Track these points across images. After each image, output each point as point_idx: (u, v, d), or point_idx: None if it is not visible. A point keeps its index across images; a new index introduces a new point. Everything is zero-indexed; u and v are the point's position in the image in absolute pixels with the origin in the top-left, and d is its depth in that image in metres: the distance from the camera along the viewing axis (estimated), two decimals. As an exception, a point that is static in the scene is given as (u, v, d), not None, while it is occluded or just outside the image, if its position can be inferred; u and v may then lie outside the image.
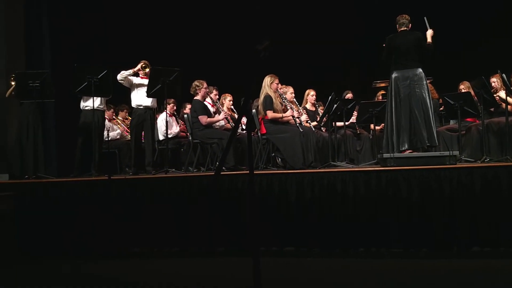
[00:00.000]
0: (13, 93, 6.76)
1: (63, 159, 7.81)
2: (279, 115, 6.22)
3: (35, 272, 4.74)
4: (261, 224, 4.78)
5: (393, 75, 5.70)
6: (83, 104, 6.70)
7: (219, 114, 6.68)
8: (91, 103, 6.38)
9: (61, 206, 5.33)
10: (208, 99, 6.89)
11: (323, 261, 4.73)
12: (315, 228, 4.89)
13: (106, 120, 7.53)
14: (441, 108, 6.95)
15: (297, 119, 6.22)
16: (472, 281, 3.88)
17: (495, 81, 6.41)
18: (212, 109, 6.85)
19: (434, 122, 5.69)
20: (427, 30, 5.71)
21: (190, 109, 6.74)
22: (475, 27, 8.00)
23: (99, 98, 6.62)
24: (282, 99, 6.34)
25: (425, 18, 5.77)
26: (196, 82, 6.60)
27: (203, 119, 6.41)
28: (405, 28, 5.77)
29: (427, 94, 5.63)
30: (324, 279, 4.11)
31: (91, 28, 8.48)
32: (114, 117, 8.10)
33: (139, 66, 6.56)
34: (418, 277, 4.04)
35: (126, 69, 6.54)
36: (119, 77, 6.51)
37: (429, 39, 5.67)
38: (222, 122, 6.78)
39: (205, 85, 6.60)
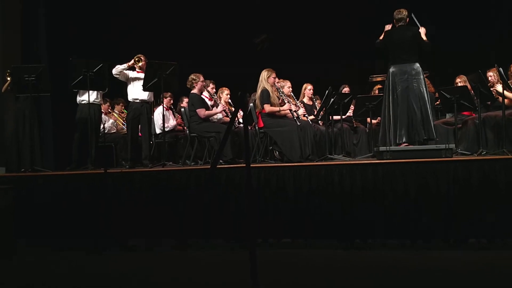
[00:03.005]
0: (9, 88, 6.74)
1: (60, 153, 7.81)
2: (277, 108, 6.22)
3: (33, 264, 4.74)
4: (258, 217, 4.82)
5: (391, 70, 5.71)
6: (79, 99, 6.68)
7: (217, 107, 6.67)
8: (87, 97, 6.36)
9: (57, 199, 5.34)
10: (205, 93, 6.88)
11: (319, 252, 4.76)
12: (311, 220, 4.91)
13: (103, 114, 7.52)
14: (437, 102, 6.96)
15: (294, 113, 6.23)
16: (468, 273, 3.91)
17: (492, 75, 6.42)
18: (209, 103, 6.84)
19: (432, 115, 5.70)
20: (418, 28, 5.70)
21: (188, 102, 6.73)
22: (475, 22, 8.01)
23: (95, 92, 6.60)
24: (280, 93, 6.35)
25: (412, 15, 5.77)
26: (192, 76, 6.59)
27: (202, 112, 6.40)
28: (403, 23, 5.77)
29: (424, 89, 5.64)
30: (320, 270, 4.13)
31: (87, 22, 8.44)
32: (110, 110, 8.09)
33: (133, 60, 6.54)
34: (414, 269, 4.07)
35: (121, 63, 6.52)
36: (114, 71, 6.49)
37: (423, 37, 5.66)
38: (220, 115, 6.78)
39: (201, 78, 6.59)
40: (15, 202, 5.20)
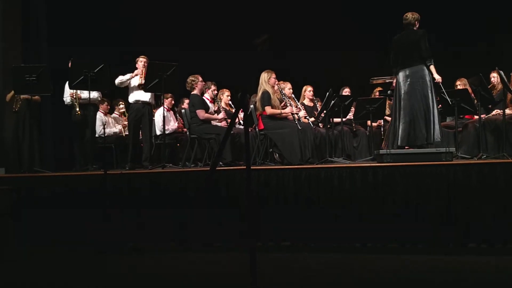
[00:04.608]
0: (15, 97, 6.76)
1: (60, 154, 7.80)
2: (278, 111, 6.21)
3: (33, 266, 4.74)
4: (258, 219, 4.81)
5: (399, 74, 5.70)
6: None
7: (219, 114, 6.65)
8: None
9: (57, 201, 5.33)
10: (207, 95, 6.88)
11: (319, 256, 4.74)
12: (311, 223, 4.90)
13: (103, 115, 7.51)
14: (439, 106, 6.94)
15: (295, 115, 6.22)
16: (468, 278, 3.90)
17: (495, 76, 6.41)
18: (211, 106, 6.82)
19: (435, 119, 5.62)
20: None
21: (188, 103, 6.72)
22: (474, 24, 8.00)
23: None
24: (282, 95, 6.33)
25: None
26: (191, 77, 6.59)
27: (201, 113, 6.39)
28: (411, 27, 5.73)
29: (429, 91, 5.59)
30: (320, 274, 4.12)
31: (88, 22, 8.44)
32: (117, 114, 8.04)
33: (139, 70, 6.49)
34: (414, 273, 4.06)
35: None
36: (117, 81, 6.52)
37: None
38: (220, 124, 6.73)
39: (200, 78, 6.58)
40: (14, 203, 5.19)
